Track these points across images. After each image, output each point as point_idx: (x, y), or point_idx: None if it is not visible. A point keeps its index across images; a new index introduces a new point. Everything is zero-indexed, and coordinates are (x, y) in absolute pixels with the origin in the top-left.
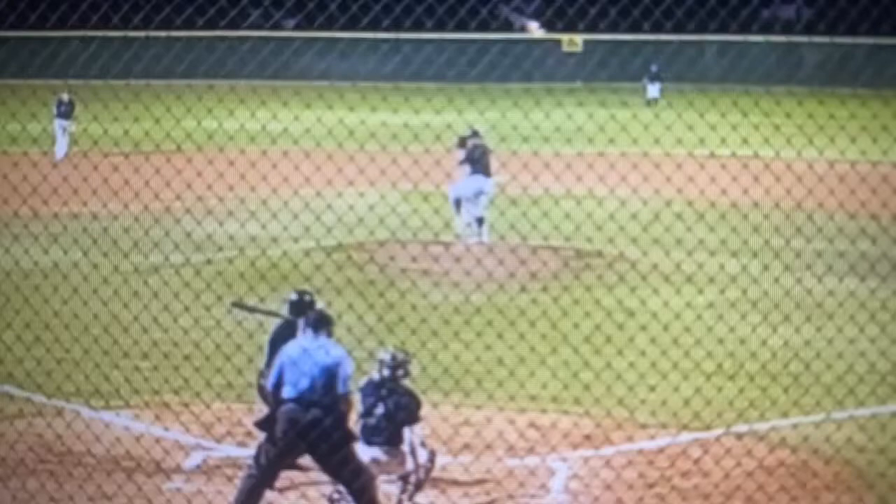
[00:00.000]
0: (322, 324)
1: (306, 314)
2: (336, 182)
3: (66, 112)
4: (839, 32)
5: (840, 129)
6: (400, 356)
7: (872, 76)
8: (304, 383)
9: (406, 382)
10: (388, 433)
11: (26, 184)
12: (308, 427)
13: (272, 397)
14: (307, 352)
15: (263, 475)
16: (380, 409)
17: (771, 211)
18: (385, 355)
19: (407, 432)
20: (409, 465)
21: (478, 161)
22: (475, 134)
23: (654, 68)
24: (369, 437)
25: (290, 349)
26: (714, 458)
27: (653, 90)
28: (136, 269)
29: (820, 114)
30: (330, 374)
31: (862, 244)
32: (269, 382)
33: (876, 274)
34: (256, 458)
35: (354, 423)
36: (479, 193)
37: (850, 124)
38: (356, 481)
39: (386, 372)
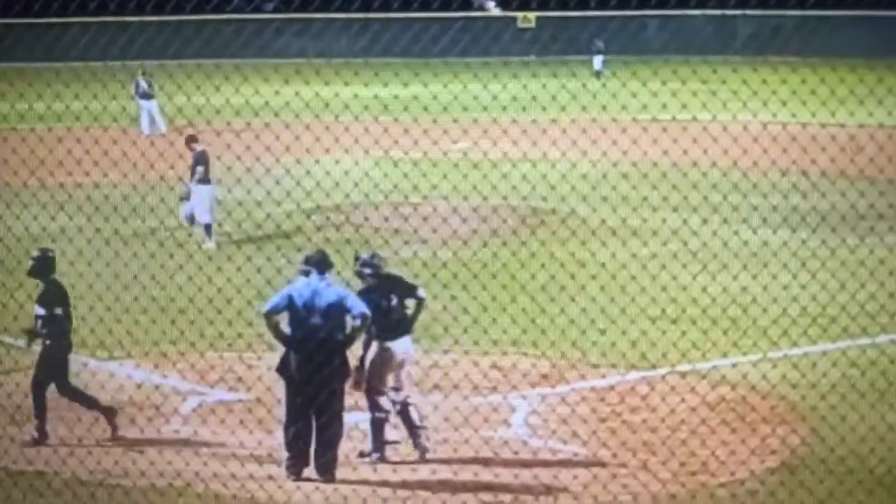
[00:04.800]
0: (325, 264)
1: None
2: (314, 150)
3: (146, 93)
4: (770, 6)
5: (772, 93)
6: (373, 252)
7: (800, 45)
8: (314, 322)
9: (388, 270)
10: (407, 322)
11: (34, 157)
12: (318, 362)
13: (267, 320)
14: (316, 292)
15: (296, 420)
16: (394, 301)
17: (709, 169)
18: (364, 257)
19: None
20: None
21: (208, 171)
22: (195, 139)
23: (598, 42)
24: (400, 330)
25: (300, 288)
26: (660, 395)
27: (597, 62)
28: (135, 233)
29: (753, 80)
30: (338, 311)
31: (793, 199)
32: (266, 305)
33: (807, 225)
34: (286, 407)
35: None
36: (201, 202)
37: (780, 89)
38: (330, 423)
39: (369, 270)
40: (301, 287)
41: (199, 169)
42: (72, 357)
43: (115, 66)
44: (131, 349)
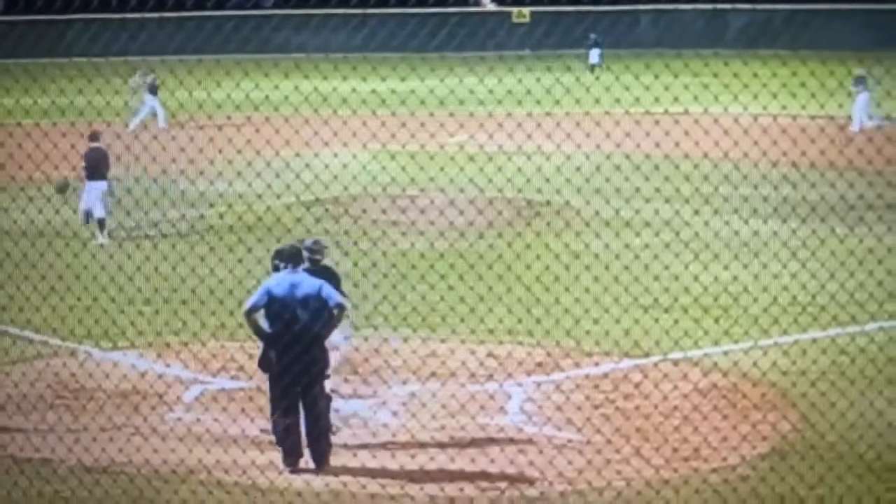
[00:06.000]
0: (298, 258)
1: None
2: (313, 144)
3: (152, 89)
4: (760, 0)
5: (762, 86)
6: (315, 240)
7: (790, 38)
8: (293, 315)
9: (326, 262)
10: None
11: (38, 151)
12: (298, 355)
13: (247, 318)
14: (291, 286)
15: (285, 414)
16: None
17: (700, 161)
18: (308, 243)
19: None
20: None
21: (92, 167)
22: (95, 137)
23: (592, 36)
24: None
25: (274, 284)
26: (653, 382)
27: (594, 56)
28: (138, 225)
29: (744, 73)
30: (315, 302)
31: (783, 189)
32: (246, 304)
33: (797, 215)
34: (272, 402)
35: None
36: (97, 198)
37: (771, 82)
38: (319, 416)
39: (307, 255)
40: (278, 282)
41: (84, 166)
42: (77, 347)
43: (117, 61)
44: (135, 339)
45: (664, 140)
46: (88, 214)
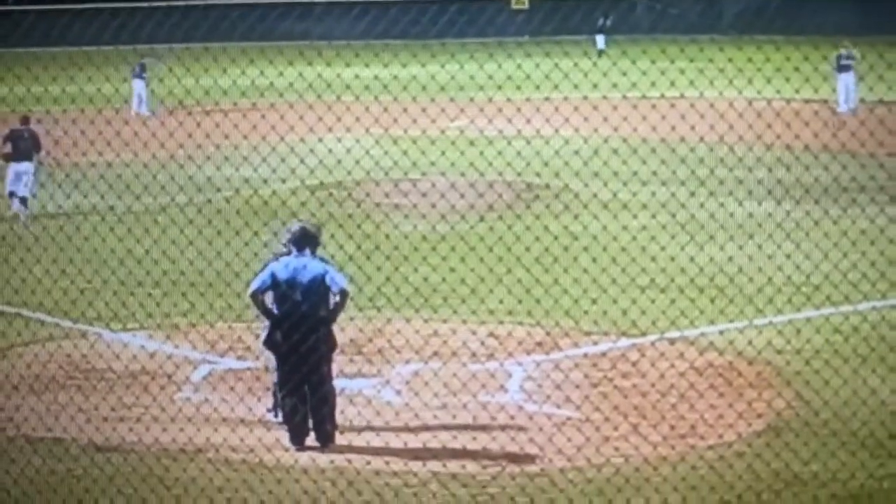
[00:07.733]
0: (305, 240)
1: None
2: (317, 129)
3: (139, 73)
4: None
5: (757, 71)
6: (301, 226)
7: (785, 24)
8: (296, 300)
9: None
10: None
11: (49, 137)
12: (302, 337)
13: (253, 300)
14: (295, 270)
15: (292, 394)
16: None
17: (696, 144)
18: (294, 227)
19: None
20: None
21: (16, 148)
22: (25, 121)
23: (600, 22)
24: None
25: (279, 267)
26: (650, 361)
27: (600, 42)
28: (147, 209)
29: (739, 58)
30: (319, 286)
31: (778, 172)
32: (251, 286)
33: (790, 197)
34: (279, 382)
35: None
36: (19, 177)
37: (765, 67)
38: (325, 399)
39: (289, 241)
40: (282, 264)
41: (10, 147)
42: (88, 329)
43: (126, 50)
44: (144, 321)
45: (661, 124)
46: (13, 194)
